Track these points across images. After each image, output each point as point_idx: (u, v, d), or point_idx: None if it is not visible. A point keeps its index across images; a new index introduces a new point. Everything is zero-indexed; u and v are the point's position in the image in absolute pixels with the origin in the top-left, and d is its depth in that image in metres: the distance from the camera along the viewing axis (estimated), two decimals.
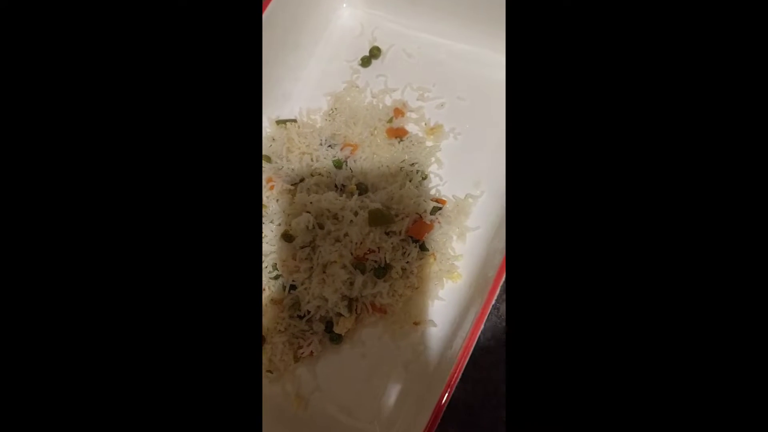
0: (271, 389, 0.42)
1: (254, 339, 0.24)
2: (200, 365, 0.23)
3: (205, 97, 0.23)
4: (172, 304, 0.23)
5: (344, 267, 0.42)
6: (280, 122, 0.48)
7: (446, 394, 0.35)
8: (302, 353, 0.42)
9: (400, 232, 0.43)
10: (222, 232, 0.23)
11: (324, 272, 0.42)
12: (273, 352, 0.42)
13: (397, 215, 0.43)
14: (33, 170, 0.22)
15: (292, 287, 0.42)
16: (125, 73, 0.23)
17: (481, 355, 0.44)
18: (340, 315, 0.42)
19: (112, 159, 0.23)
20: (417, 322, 0.42)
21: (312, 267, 0.42)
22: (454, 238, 0.45)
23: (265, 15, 0.44)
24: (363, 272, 0.42)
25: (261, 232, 0.43)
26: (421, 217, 0.44)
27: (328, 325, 0.42)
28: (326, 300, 0.41)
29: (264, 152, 0.47)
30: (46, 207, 0.22)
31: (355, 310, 0.42)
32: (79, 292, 0.22)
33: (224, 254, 0.23)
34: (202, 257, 0.23)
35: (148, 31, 0.23)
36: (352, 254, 0.42)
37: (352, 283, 0.42)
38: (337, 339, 0.42)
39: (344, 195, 0.44)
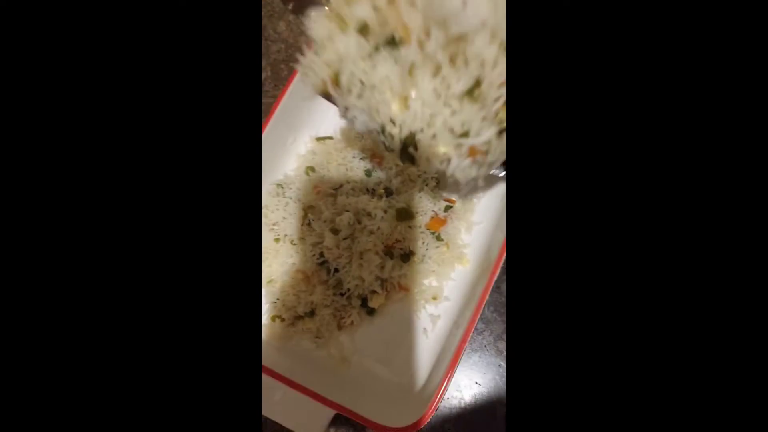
0: (319, 353, 0.53)
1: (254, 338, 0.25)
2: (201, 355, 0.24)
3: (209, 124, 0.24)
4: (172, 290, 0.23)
5: (377, 254, 0.53)
6: (320, 139, 0.59)
7: (461, 350, 0.46)
8: (344, 323, 0.53)
9: (420, 226, 0.54)
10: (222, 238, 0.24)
11: (361, 258, 0.53)
12: (321, 323, 0.53)
13: (417, 213, 0.55)
14: (30, 172, 0.23)
15: (336, 270, 0.53)
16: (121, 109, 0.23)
17: (482, 323, 0.55)
18: (374, 292, 0.53)
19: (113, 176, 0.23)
20: (435, 297, 0.53)
21: (351, 254, 0.53)
22: (462, 230, 0.56)
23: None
24: (392, 258, 0.53)
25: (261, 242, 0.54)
26: (436, 213, 0.55)
27: (364, 301, 0.53)
28: (363, 280, 0.52)
29: (308, 164, 0.58)
30: (43, 210, 0.23)
31: (386, 288, 0.53)
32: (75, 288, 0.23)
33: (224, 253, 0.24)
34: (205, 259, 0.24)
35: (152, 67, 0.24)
36: (383, 244, 0.53)
37: (383, 267, 0.53)
38: (371, 312, 0.53)
39: (375, 197, 0.55)
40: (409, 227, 0.54)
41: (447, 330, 0.53)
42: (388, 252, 0.53)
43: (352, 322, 0.53)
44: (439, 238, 0.54)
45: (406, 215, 0.53)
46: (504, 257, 0.49)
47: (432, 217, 0.55)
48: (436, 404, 0.44)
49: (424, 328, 0.53)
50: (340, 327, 0.53)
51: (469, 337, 0.48)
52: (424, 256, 0.54)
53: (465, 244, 0.55)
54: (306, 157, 0.59)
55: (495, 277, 0.49)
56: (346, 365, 0.52)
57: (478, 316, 0.47)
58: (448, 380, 0.45)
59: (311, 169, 0.57)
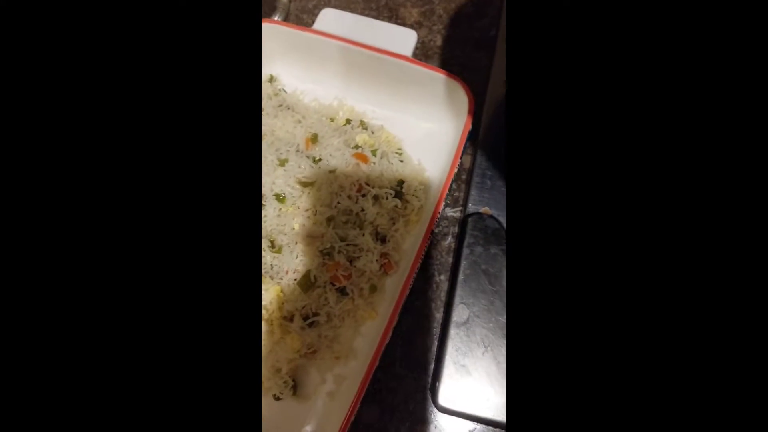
0: None
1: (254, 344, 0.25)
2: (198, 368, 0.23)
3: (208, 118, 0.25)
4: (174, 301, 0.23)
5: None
6: None
7: (353, 413, 0.43)
8: None
9: (323, 285, 0.52)
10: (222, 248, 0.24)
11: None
12: None
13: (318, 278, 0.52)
14: (30, 170, 0.23)
15: None
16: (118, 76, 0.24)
17: (394, 381, 0.52)
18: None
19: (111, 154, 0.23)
20: (337, 356, 0.50)
21: None
22: (368, 285, 0.53)
23: None
24: (291, 321, 0.50)
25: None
26: (338, 267, 0.53)
27: None
28: None
29: None
30: (41, 208, 0.23)
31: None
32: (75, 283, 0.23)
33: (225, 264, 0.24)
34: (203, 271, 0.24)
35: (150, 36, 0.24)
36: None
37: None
38: None
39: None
40: (313, 289, 0.52)
41: (355, 392, 0.49)
42: (290, 318, 0.51)
43: None
44: (343, 292, 0.52)
45: (307, 285, 0.51)
46: (400, 308, 0.46)
47: (334, 273, 0.52)
48: None
49: (330, 392, 0.50)
50: None
51: (363, 397, 0.45)
52: (328, 314, 0.51)
53: (370, 296, 0.53)
54: None
55: (390, 330, 0.46)
56: None
57: (371, 375, 0.45)
58: None
59: None
